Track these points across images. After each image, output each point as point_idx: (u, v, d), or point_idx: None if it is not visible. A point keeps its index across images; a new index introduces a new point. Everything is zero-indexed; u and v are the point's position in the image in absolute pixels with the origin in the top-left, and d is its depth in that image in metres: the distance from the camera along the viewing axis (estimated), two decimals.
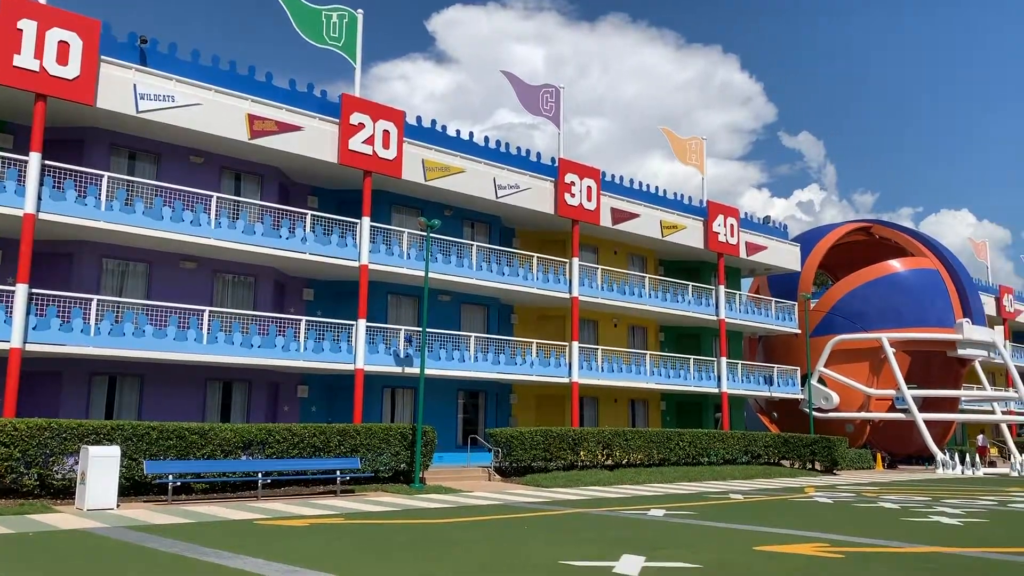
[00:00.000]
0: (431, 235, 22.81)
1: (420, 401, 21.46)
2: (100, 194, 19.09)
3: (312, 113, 22.61)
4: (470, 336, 25.99)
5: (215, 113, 20.80)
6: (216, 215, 20.90)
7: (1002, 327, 48.42)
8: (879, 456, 36.86)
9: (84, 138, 20.63)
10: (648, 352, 31.55)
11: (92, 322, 18.70)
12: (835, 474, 31.53)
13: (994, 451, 43.50)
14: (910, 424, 36.38)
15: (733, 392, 34.31)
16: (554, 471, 24.39)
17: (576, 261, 28.82)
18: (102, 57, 19.00)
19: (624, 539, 12.22)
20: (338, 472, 19.10)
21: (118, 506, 15.18)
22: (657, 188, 33.00)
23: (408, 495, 19.14)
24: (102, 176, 19.30)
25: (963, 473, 34.17)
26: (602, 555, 10.40)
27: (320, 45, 23.22)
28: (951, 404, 39.84)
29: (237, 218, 21.39)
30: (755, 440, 31.56)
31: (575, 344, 28.39)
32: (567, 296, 28.60)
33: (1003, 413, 43.88)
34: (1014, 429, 44.82)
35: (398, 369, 23.87)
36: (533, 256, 28.08)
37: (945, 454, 36.02)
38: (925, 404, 37.23)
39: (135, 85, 19.52)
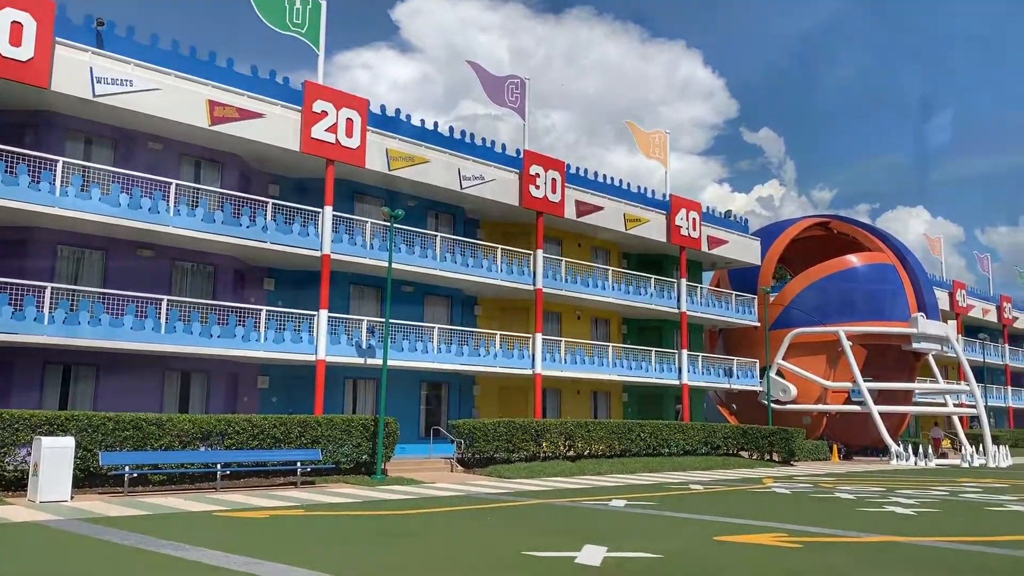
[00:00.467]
0: (394, 225, 22.65)
1: (383, 392, 21.34)
2: (55, 179, 18.64)
3: (274, 100, 22.28)
4: (433, 327, 25.89)
5: (174, 99, 20.39)
6: (175, 202, 20.53)
7: (955, 321, 49.49)
8: (835, 447, 37.51)
9: (38, 122, 20.09)
10: (611, 344, 31.72)
11: (46, 310, 18.27)
12: (792, 465, 32.02)
13: (946, 443, 44.54)
14: (865, 416, 37.05)
15: (693, 384, 34.65)
16: (517, 462, 24.44)
17: (540, 253, 28.83)
18: (57, 39, 18.50)
19: (586, 529, 12.29)
20: (299, 463, 18.93)
21: (72, 498, 14.88)
22: (621, 181, 33.13)
23: (370, 486, 19.04)
24: (57, 161, 18.84)
25: (916, 464, 34.91)
26: (564, 545, 10.44)
27: (283, 31, 22.88)
28: (905, 397, 40.68)
29: (196, 206, 21.04)
30: (715, 431, 31.92)
31: (539, 336, 28.42)
32: (531, 288, 28.61)
33: (955, 406, 44.91)
34: (965, 421, 45.93)
35: (360, 360, 23.70)
36: (497, 248, 28.04)
37: (899, 446, 36.78)
38: (880, 397, 37.95)
39: (91, 68, 19.06)
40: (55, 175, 18.66)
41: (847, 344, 37.62)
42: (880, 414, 36.55)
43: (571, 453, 26.55)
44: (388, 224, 22.51)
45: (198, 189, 21.45)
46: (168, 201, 20.39)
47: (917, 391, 41.80)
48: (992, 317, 55.44)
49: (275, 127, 22.16)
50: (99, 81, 19.13)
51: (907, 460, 35.55)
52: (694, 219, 35.07)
